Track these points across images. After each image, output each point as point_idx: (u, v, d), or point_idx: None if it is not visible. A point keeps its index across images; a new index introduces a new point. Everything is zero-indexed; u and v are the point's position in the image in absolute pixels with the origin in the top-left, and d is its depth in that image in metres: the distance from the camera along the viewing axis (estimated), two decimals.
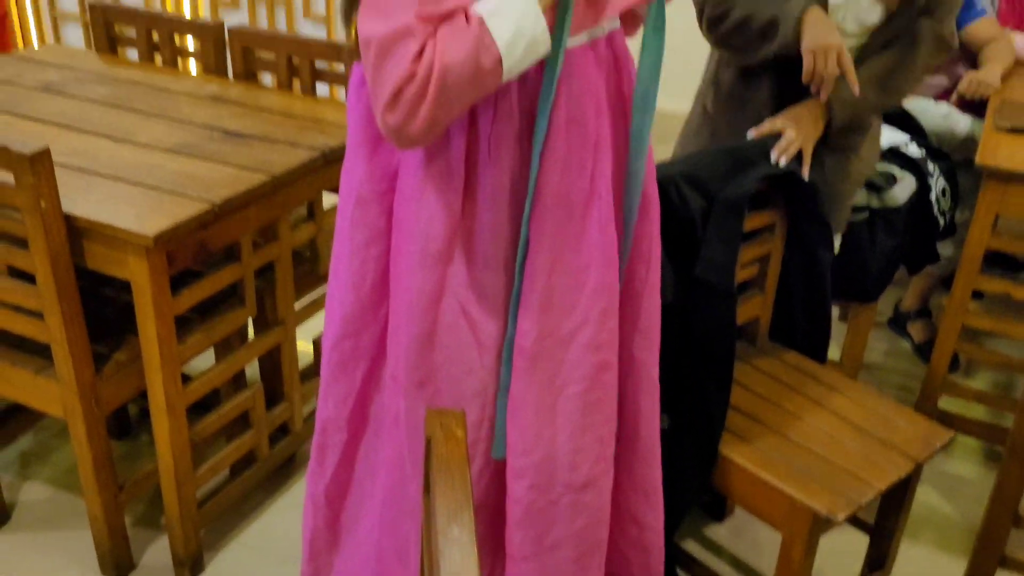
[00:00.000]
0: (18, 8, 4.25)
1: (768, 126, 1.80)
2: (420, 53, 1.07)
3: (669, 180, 1.59)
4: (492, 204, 1.27)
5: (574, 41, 1.23)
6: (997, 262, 2.66)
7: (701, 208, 1.61)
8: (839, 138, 1.93)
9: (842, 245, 2.06)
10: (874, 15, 1.88)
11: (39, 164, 1.57)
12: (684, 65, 4.28)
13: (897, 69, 1.91)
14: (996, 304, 2.34)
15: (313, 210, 2.13)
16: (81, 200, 1.71)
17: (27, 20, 4.28)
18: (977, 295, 2.29)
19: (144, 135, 2.03)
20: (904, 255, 2.28)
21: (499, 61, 1.10)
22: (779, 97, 1.90)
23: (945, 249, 2.63)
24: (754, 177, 1.64)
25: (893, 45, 1.91)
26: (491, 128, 1.24)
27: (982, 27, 2.83)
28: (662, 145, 4.37)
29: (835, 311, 2.51)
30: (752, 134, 1.81)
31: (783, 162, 1.74)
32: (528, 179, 1.26)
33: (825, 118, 1.85)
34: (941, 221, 2.31)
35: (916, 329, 2.90)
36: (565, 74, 1.23)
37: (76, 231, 1.67)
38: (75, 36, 4.23)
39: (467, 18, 1.10)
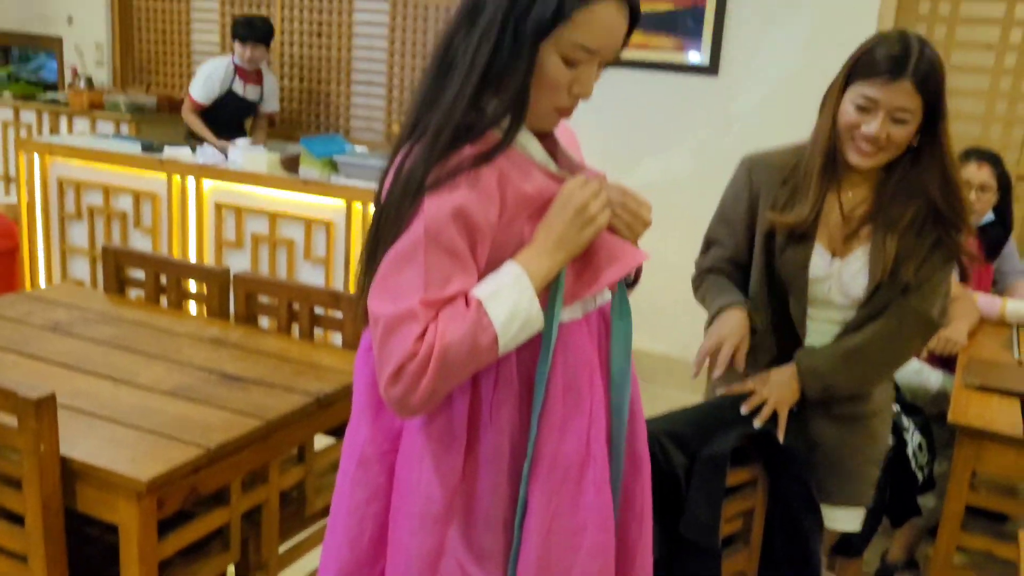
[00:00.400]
0: (29, 243, 4.45)
1: (738, 386, 1.89)
2: (423, 334, 1.17)
3: (652, 437, 1.64)
4: (492, 466, 1.32)
5: (568, 314, 1.33)
6: (981, 512, 2.68)
7: (684, 465, 1.66)
8: (838, 407, 1.93)
9: None
10: (859, 287, 1.89)
11: (43, 409, 1.62)
12: (661, 310, 4.48)
13: (876, 343, 1.89)
14: (981, 558, 2.34)
15: (304, 453, 2.16)
16: (79, 443, 1.75)
17: (37, 255, 4.46)
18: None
19: (145, 376, 2.09)
20: (886, 509, 2.30)
21: (495, 340, 1.19)
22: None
23: (927, 501, 2.65)
24: (734, 435, 1.70)
25: (877, 319, 1.90)
26: (492, 394, 1.31)
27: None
28: (649, 384, 4.44)
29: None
30: (722, 391, 1.89)
31: (756, 423, 1.80)
32: (527, 442, 1.31)
33: (799, 385, 1.89)
34: (920, 475, 2.35)
35: None
36: (560, 345, 1.31)
37: (70, 473, 1.70)
38: (82, 270, 4.41)
39: (467, 300, 1.20)
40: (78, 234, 4.39)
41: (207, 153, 4.14)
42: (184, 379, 2.10)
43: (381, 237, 1.25)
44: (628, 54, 4.31)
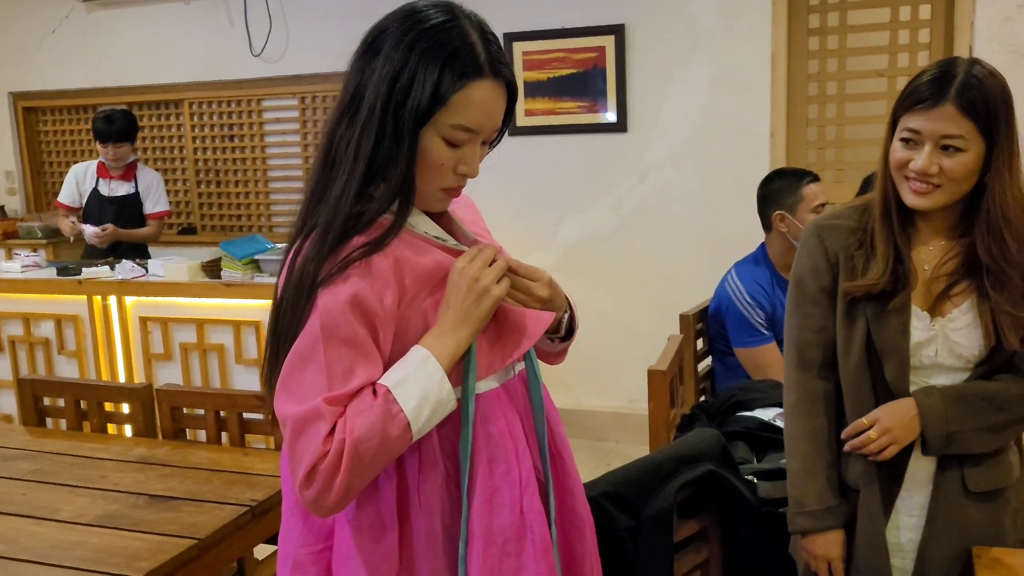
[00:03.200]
0: None
1: (853, 427, 1.66)
2: (331, 432, 1.14)
3: (593, 501, 1.60)
4: (428, 550, 1.28)
5: (484, 385, 1.30)
6: None
7: (629, 526, 1.62)
8: (974, 476, 1.66)
9: (775, 539, 2.06)
10: (973, 344, 1.64)
11: None
12: (599, 365, 4.48)
13: (1014, 390, 1.64)
14: None
15: (243, 567, 2.08)
16: None
17: None
18: None
19: (67, 510, 2.00)
20: None
21: (407, 427, 1.17)
22: None
23: None
24: (674, 487, 1.67)
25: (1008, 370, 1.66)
26: (418, 476, 1.27)
27: None
28: (600, 441, 4.38)
29: None
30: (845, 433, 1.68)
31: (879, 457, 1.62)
32: (460, 521, 1.28)
33: (918, 428, 1.63)
34: None
35: None
36: (480, 417, 1.29)
37: None
38: (9, 404, 4.26)
39: (375, 390, 1.17)
40: (0, 367, 4.25)
41: (126, 268, 4.06)
42: (109, 507, 2.01)
43: (280, 336, 1.23)
44: (539, 120, 4.40)
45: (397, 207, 1.24)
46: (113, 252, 4.60)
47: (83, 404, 2.58)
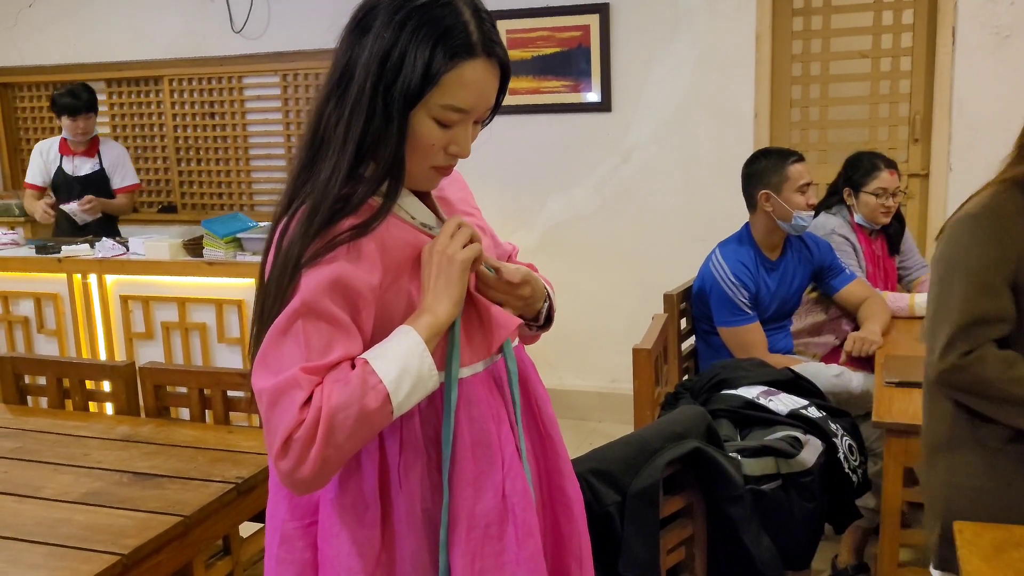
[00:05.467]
0: None
1: None
2: (307, 402, 1.13)
3: (580, 478, 1.61)
4: (409, 532, 1.27)
5: (469, 371, 1.30)
6: None
7: (616, 502, 1.63)
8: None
9: (760, 515, 2.08)
10: None
11: None
12: (581, 345, 4.48)
13: None
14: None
15: (229, 544, 2.07)
16: None
17: None
18: None
19: (51, 488, 1.99)
20: (825, 516, 2.30)
21: (387, 399, 1.15)
22: None
23: (868, 501, 2.67)
24: (661, 464, 1.68)
25: None
26: (399, 458, 1.27)
27: (855, 288, 3.07)
28: (583, 421, 4.39)
29: None
30: None
31: None
32: (441, 505, 1.27)
33: None
34: (854, 478, 2.36)
35: None
36: (464, 402, 1.28)
37: None
38: None
39: (353, 364, 1.17)
40: None
41: (106, 247, 4.02)
42: (93, 484, 2.00)
43: (265, 315, 1.22)
44: (522, 99, 4.37)
45: (386, 188, 1.23)
46: (85, 231, 4.55)
47: (65, 382, 2.56)
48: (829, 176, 3.44)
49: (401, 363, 1.17)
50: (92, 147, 4.66)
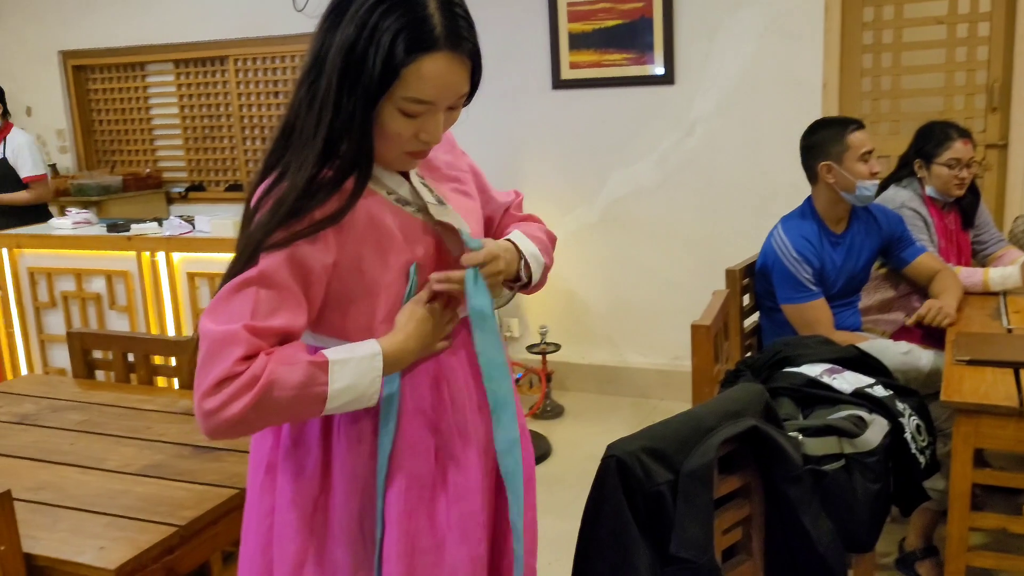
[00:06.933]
0: (8, 336, 4.40)
1: None
2: (244, 358, 1.20)
3: (631, 456, 1.59)
4: (346, 482, 1.37)
5: None
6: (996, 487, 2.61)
7: (668, 481, 1.60)
8: None
9: (821, 496, 2.02)
10: None
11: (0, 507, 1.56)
12: (644, 322, 4.43)
13: None
14: (1001, 535, 2.27)
15: None
16: (44, 537, 1.68)
17: (16, 347, 4.41)
18: None
19: (114, 460, 2.03)
20: (892, 498, 2.23)
21: (323, 400, 1.24)
22: None
23: (937, 483, 2.58)
24: (715, 442, 1.64)
25: None
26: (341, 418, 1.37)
27: (925, 261, 2.96)
28: (645, 399, 4.36)
29: None
30: None
31: None
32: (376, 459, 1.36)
33: None
34: (921, 459, 2.28)
35: (925, 568, 2.79)
36: (408, 370, 1.37)
37: (36, 570, 1.63)
38: (62, 358, 4.35)
39: (298, 344, 1.27)
40: (54, 322, 4.34)
41: (173, 225, 4.10)
42: (155, 457, 2.04)
43: (227, 276, 1.28)
44: (584, 73, 4.32)
45: (355, 178, 1.28)
46: None
47: (131, 357, 2.61)
48: (900, 148, 3.32)
49: (353, 379, 1.25)
50: (1, 136, 4.72)
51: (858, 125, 2.83)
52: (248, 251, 1.24)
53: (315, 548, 1.38)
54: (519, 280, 1.48)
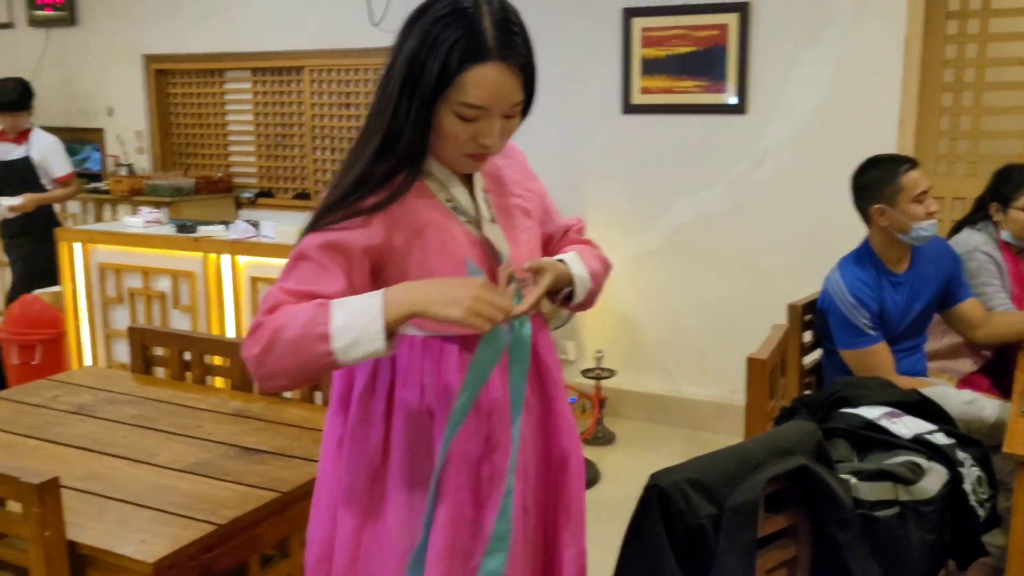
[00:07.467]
0: (75, 328, 4.52)
1: None
2: (271, 310, 1.36)
3: (674, 486, 1.55)
4: (401, 456, 1.49)
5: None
6: None
7: (711, 515, 1.56)
8: None
9: (871, 543, 1.96)
10: None
11: (46, 494, 1.59)
12: (701, 352, 4.36)
13: None
14: None
15: None
16: (89, 526, 1.71)
17: (82, 339, 4.53)
18: None
19: (163, 455, 2.06)
20: (948, 550, 2.15)
21: (326, 337, 1.31)
22: None
23: (996, 538, 2.48)
24: (762, 479, 1.60)
25: None
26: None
27: (973, 306, 2.86)
28: (699, 431, 4.28)
29: None
30: None
31: None
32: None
33: None
34: (981, 512, 2.20)
35: None
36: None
37: (79, 558, 1.66)
38: (125, 353, 4.44)
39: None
40: (120, 317, 4.44)
41: (239, 228, 4.18)
42: (202, 455, 2.07)
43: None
44: (655, 98, 4.29)
45: (405, 173, 1.43)
46: (22, 234, 4.72)
47: (187, 355, 2.66)
48: (978, 190, 3.22)
49: (350, 318, 1.32)
50: (24, 136, 4.81)
51: (911, 164, 2.73)
52: (304, 230, 1.42)
53: (373, 515, 1.50)
54: (560, 294, 1.59)
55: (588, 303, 1.63)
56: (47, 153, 4.85)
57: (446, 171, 1.51)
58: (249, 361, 1.37)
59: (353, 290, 1.39)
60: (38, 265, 4.82)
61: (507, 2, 1.44)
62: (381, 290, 1.35)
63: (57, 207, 5.11)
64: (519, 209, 1.60)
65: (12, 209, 4.61)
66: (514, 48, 1.39)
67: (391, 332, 1.33)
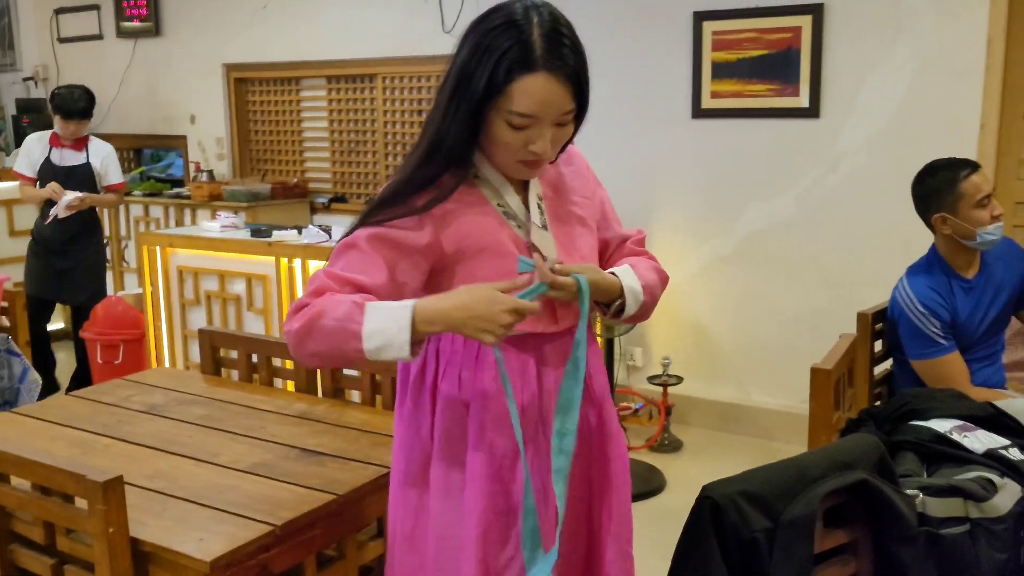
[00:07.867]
0: (155, 329, 4.67)
1: None
2: (316, 293, 1.45)
3: (727, 498, 1.53)
4: (441, 445, 1.60)
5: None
6: None
7: (765, 529, 1.53)
8: None
9: (937, 561, 1.89)
10: None
11: (111, 491, 1.64)
12: (773, 360, 4.27)
13: None
14: None
15: (383, 529, 2.12)
16: (151, 523, 1.76)
17: (162, 340, 4.67)
18: None
19: (226, 455, 2.11)
20: (1021, 571, 2.06)
21: (357, 338, 1.40)
22: None
23: None
24: (820, 492, 1.56)
25: None
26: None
27: None
28: (769, 441, 4.19)
29: None
30: None
31: None
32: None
33: None
34: None
35: None
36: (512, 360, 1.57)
37: (141, 555, 1.71)
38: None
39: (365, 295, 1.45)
40: (198, 319, 4.56)
41: (311, 233, 4.25)
42: (264, 456, 2.11)
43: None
44: (726, 102, 4.23)
45: (451, 175, 1.49)
46: (65, 238, 4.81)
47: (255, 358, 2.72)
48: None
49: (382, 324, 1.39)
50: (81, 143, 4.93)
51: (971, 168, 2.61)
52: (355, 224, 1.51)
53: (422, 497, 1.61)
54: (612, 306, 1.61)
55: (642, 315, 1.65)
56: (107, 161, 5.02)
57: (500, 177, 1.56)
58: (289, 336, 1.45)
59: (394, 285, 1.48)
60: (94, 264, 5.02)
61: (558, 13, 1.47)
62: (411, 302, 1.42)
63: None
64: (575, 216, 1.64)
65: (70, 207, 4.75)
66: (562, 58, 1.42)
67: (419, 340, 1.42)
